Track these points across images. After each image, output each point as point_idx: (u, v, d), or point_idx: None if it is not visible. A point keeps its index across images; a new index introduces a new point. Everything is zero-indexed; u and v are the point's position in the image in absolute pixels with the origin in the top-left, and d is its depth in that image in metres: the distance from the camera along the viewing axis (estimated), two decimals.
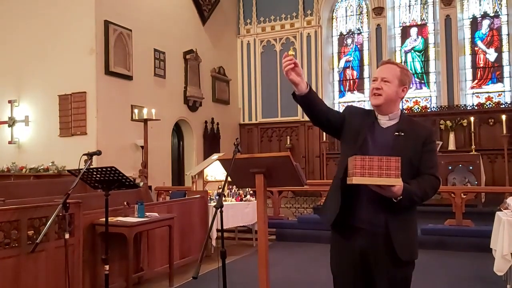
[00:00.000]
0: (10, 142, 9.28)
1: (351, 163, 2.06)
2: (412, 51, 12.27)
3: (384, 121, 2.31)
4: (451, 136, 11.14)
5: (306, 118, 12.87)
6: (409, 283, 2.25)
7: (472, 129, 10.34)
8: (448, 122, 11.19)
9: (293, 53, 2.20)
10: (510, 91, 11.33)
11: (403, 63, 12.20)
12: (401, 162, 2.02)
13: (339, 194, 2.23)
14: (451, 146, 11.05)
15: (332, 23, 13.13)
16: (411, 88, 12.30)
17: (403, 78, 2.29)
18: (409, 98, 12.24)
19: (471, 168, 9.14)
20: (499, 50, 11.49)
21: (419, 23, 12.26)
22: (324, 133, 11.25)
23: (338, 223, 2.26)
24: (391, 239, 2.14)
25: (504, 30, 11.44)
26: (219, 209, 2.87)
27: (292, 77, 2.14)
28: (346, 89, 12.94)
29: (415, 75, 12.24)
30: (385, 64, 2.37)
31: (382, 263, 2.18)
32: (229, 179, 3.06)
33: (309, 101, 2.22)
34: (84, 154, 3.51)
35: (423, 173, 2.21)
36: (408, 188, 2.08)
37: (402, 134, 2.23)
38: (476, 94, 11.62)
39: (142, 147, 8.53)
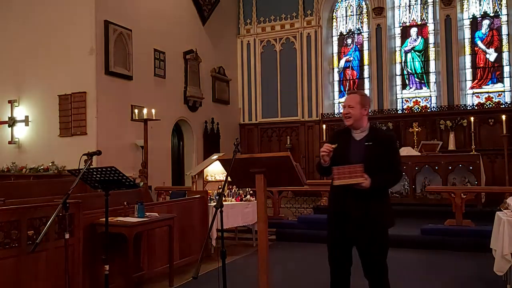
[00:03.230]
0: (10, 142, 9.28)
1: (333, 172, 3.02)
2: (412, 51, 12.27)
3: (357, 134, 3.17)
4: (451, 136, 11.13)
5: (306, 118, 12.99)
6: (385, 242, 3.14)
7: (472, 129, 10.33)
8: (448, 122, 11.19)
9: (334, 146, 3.04)
10: (510, 91, 11.33)
11: (402, 63, 12.30)
12: (372, 163, 3.00)
13: (338, 193, 3.16)
14: (451, 146, 11.04)
15: (332, 23, 13.13)
16: (411, 88, 12.35)
17: (363, 102, 3.16)
18: (409, 98, 12.25)
19: (471, 168, 9.14)
20: (499, 50, 11.49)
21: (419, 23, 12.26)
22: (324, 133, 11.26)
23: (336, 211, 3.22)
24: (371, 216, 3.06)
25: (504, 30, 11.44)
26: (219, 209, 2.87)
27: (326, 159, 3.08)
28: (346, 89, 12.93)
29: (415, 75, 12.24)
30: (349, 94, 3.25)
31: (365, 232, 3.07)
32: (229, 179, 3.07)
33: (329, 168, 3.12)
34: (84, 154, 3.51)
35: (390, 168, 3.10)
36: (374, 180, 2.99)
37: (371, 143, 3.09)
38: (476, 94, 11.62)
39: (142, 147, 8.54)
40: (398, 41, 12.45)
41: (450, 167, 9.26)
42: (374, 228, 3.09)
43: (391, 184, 3.21)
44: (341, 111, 12.79)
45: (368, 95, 3.55)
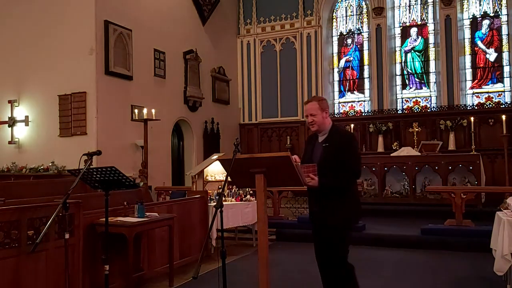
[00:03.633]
0: (10, 142, 9.27)
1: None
2: (412, 51, 12.27)
3: (320, 137, 3.43)
4: (451, 136, 11.13)
5: None
6: (337, 241, 3.29)
7: (472, 129, 10.33)
8: (448, 122, 11.18)
9: (299, 162, 3.21)
10: (510, 91, 11.32)
11: (402, 63, 12.29)
12: (327, 163, 3.22)
13: (308, 191, 3.47)
14: (451, 146, 11.05)
15: (332, 23, 13.13)
16: (411, 88, 12.33)
17: (322, 106, 3.38)
18: (409, 98, 12.25)
19: (471, 168, 9.14)
20: (499, 50, 11.48)
21: (419, 23, 12.26)
22: None
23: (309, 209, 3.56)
24: (326, 214, 3.28)
25: (504, 30, 11.44)
26: (219, 209, 2.87)
27: None
28: (346, 89, 12.94)
29: (415, 75, 12.24)
30: (308, 103, 3.45)
31: (322, 228, 3.34)
32: (229, 179, 3.07)
33: None
34: (84, 154, 3.51)
35: (345, 167, 3.23)
36: (322, 181, 3.20)
37: (328, 145, 3.32)
38: (476, 94, 11.61)
39: (142, 147, 8.54)
40: (398, 41, 12.45)
41: (450, 167, 9.26)
42: (327, 226, 3.28)
43: (343, 183, 3.27)
44: (341, 111, 12.88)
45: (325, 98, 3.68)
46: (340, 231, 3.28)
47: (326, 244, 3.32)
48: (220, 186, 7.24)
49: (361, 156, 3.60)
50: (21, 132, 9.24)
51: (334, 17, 13.12)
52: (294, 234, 7.63)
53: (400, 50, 12.38)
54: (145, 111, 8.37)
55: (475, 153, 9.45)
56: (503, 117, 9.30)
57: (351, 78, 12.89)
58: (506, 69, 11.37)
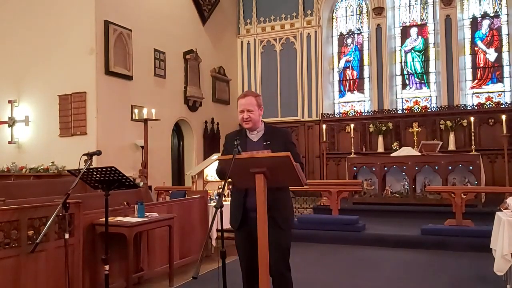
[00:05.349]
0: (10, 142, 9.28)
1: None
2: (412, 51, 12.28)
3: (254, 135, 3.21)
4: (451, 136, 11.14)
5: (306, 118, 12.98)
6: (288, 243, 3.31)
7: (472, 129, 10.32)
8: (448, 122, 11.19)
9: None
10: (510, 91, 11.33)
11: (402, 63, 12.29)
12: None
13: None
14: (451, 146, 11.05)
15: (332, 23, 13.14)
16: (411, 88, 12.32)
17: (259, 102, 3.19)
18: (409, 98, 12.25)
19: (471, 168, 9.13)
20: (499, 50, 11.49)
21: (419, 23, 12.27)
22: (324, 133, 11.23)
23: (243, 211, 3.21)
24: (272, 216, 2.96)
25: (504, 30, 11.45)
26: (219, 209, 2.87)
27: None
28: (346, 89, 12.94)
29: (415, 75, 12.25)
30: (245, 97, 3.18)
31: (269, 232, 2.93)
32: (229, 179, 3.06)
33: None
34: (84, 154, 3.50)
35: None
36: None
37: (269, 143, 3.12)
38: (476, 94, 11.62)
39: (142, 147, 8.54)
40: (398, 41, 12.46)
41: (450, 167, 9.25)
42: (276, 226, 3.16)
43: None
44: (341, 111, 12.88)
45: (260, 94, 3.34)
46: (286, 231, 3.21)
47: (274, 246, 3.08)
48: (220, 186, 7.23)
49: None
50: (21, 132, 9.24)
51: (334, 17, 13.12)
52: (294, 234, 7.59)
53: (400, 50, 12.39)
54: (145, 111, 8.37)
55: (475, 153, 9.45)
56: (503, 117, 9.29)
57: (351, 78, 12.90)
58: (506, 69, 11.38)
